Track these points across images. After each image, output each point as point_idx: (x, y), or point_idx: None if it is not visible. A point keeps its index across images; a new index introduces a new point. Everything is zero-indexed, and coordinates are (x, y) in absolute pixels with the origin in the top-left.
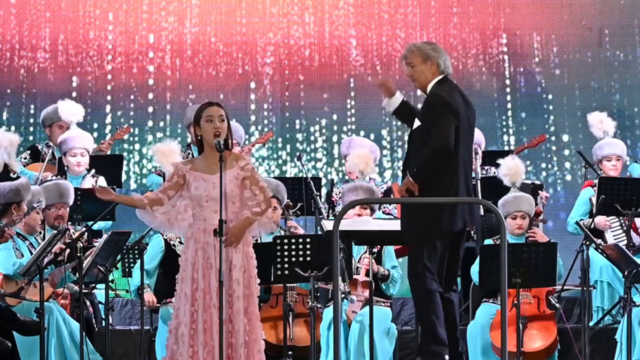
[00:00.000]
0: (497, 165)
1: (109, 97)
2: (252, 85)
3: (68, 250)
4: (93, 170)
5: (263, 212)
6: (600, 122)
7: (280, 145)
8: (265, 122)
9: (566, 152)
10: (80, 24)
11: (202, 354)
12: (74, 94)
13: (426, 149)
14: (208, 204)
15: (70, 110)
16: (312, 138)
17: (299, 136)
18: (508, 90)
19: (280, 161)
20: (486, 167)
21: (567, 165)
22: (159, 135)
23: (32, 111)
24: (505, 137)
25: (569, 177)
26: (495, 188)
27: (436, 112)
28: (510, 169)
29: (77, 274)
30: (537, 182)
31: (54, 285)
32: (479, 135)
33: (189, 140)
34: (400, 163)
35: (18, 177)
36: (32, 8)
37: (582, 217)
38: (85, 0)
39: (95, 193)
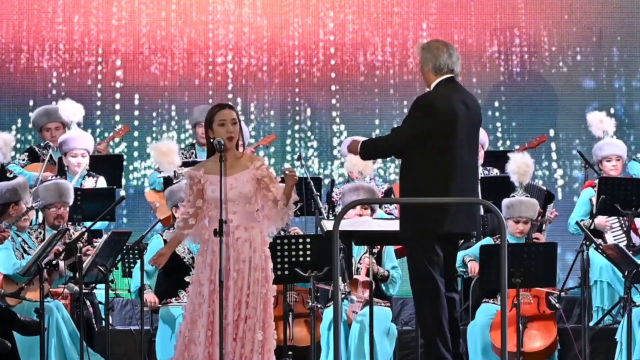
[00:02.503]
0: (499, 163)
1: (109, 97)
2: (252, 85)
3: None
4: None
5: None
6: (600, 122)
7: (279, 146)
8: (265, 122)
9: (566, 152)
10: (81, 24)
11: (218, 353)
12: (74, 94)
13: (385, 138)
14: (225, 206)
15: (71, 110)
16: (313, 138)
17: (299, 136)
18: (508, 90)
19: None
20: (488, 168)
21: (567, 165)
22: (159, 135)
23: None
24: (505, 137)
25: (568, 178)
26: (495, 188)
27: (411, 114)
28: (520, 167)
29: (77, 274)
30: (552, 192)
31: (50, 283)
32: (482, 135)
33: (193, 139)
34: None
35: (15, 177)
36: (33, 8)
37: (582, 218)
38: (86, 0)
39: (156, 266)
